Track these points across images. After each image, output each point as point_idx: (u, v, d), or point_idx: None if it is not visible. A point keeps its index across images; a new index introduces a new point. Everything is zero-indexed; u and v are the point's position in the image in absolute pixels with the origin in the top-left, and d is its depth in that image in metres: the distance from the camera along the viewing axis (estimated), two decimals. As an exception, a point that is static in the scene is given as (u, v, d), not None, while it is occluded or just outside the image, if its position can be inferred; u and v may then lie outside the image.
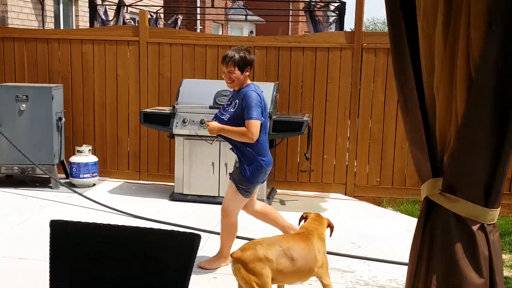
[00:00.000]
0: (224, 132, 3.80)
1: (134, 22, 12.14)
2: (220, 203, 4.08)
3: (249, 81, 3.87)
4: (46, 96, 6.05)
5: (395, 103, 5.99)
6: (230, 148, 3.92)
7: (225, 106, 3.96)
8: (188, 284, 1.84)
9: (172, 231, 1.88)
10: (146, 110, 6.02)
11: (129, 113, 6.62)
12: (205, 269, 3.91)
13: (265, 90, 4.38)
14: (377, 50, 6.07)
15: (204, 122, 4.83)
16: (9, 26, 8.18)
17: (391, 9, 1.87)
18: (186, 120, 5.58)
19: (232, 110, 3.82)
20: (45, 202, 5.62)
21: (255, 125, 3.65)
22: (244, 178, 3.75)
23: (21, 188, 6.08)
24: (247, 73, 3.82)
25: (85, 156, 6.23)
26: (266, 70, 6.31)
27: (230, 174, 3.96)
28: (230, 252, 3.11)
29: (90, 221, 2.00)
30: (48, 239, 1.92)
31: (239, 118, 3.73)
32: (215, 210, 4.77)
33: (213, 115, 4.04)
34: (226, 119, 3.80)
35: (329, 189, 6.31)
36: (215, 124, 3.79)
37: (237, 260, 2.90)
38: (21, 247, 4.31)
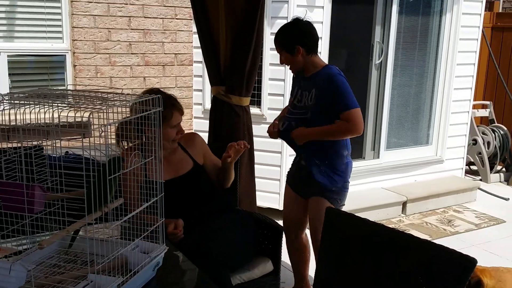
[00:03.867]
0: (315, 136, 2.69)
1: None
2: None
3: (322, 62, 2.75)
4: None
5: None
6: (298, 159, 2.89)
7: (293, 103, 2.82)
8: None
9: (451, 250, 1.63)
10: None
11: None
12: None
13: None
14: None
15: (270, 130, 2.90)
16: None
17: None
18: None
19: (310, 103, 2.68)
20: None
21: (360, 114, 2.59)
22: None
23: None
24: (306, 53, 2.68)
25: None
26: None
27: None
28: None
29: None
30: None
31: (324, 113, 2.64)
32: None
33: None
34: (309, 117, 2.70)
35: None
36: (301, 130, 2.71)
37: None
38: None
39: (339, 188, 2.80)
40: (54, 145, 1.70)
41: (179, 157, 2.55)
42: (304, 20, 2.76)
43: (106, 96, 1.65)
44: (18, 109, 1.53)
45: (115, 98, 1.56)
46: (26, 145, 1.69)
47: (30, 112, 1.55)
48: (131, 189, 1.83)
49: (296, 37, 2.69)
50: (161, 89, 2.60)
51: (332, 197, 2.80)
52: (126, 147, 2.36)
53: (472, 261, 1.57)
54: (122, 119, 1.66)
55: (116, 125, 2.27)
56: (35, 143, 1.71)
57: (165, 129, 2.39)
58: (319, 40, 4.39)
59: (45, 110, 1.50)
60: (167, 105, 2.38)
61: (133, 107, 1.67)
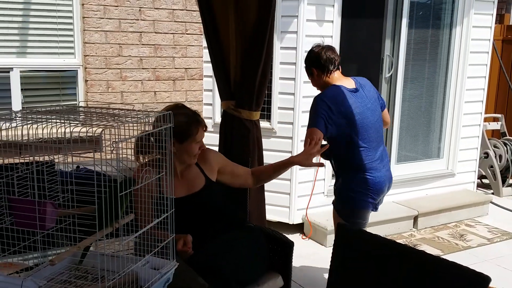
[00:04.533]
0: None
1: None
2: None
3: (333, 82, 2.96)
4: None
5: None
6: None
7: None
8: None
9: (464, 267, 1.62)
10: None
11: None
12: None
13: None
14: None
15: None
16: None
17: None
18: None
19: None
20: None
21: (306, 133, 2.81)
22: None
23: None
24: (320, 75, 2.97)
25: None
26: None
27: None
28: None
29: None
30: None
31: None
32: None
33: None
34: None
35: None
36: None
37: None
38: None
39: (341, 200, 3.02)
40: (65, 160, 1.71)
41: (194, 174, 2.55)
42: (321, 44, 3.04)
43: (118, 112, 1.66)
44: (31, 126, 1.55)
45: (126, 114, 1.57)
46: (38, 161, 1.71)
47: (43, 128, 1.57)
48: (144, 205, 1.83)
49: (309, 60, 3.03)
50: (186, 105, 2.61)
51: (336, 207, 3.07)
52: (142, 162, 2.36)
53: (486, 279, 1.55)
54: (138, 134, 1.67)
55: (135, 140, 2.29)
56: (46, 158, 1.72)
57: (190, 144, 2.41)
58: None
59: (58, 127, 1.52)
60: (194, 121, 2.42)
61: (154, 124, 1.69)
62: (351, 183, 2.93)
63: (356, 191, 2.93)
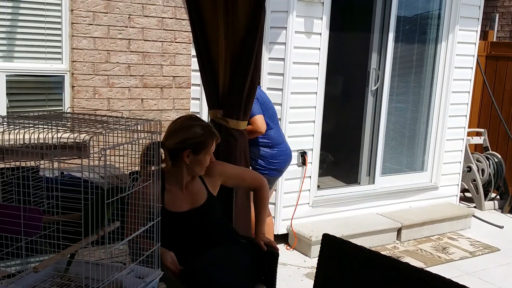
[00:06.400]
0: None
1: None
2: None
3: None
4: None
5: None
6: None
7: None
8: None
9: (448, 280, 1.58)
10: None
11: None
12: None
13: None
14: None
15: None
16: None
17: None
18: None
19: None
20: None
21: (258, 119, 3.69)
22: None
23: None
24: None
25: None
26: None
27: None
28: None
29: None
30: None
31: None
32: None
33: None
34: None
35: None
36: None
37: None
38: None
39: (262, 171, 3.78)
40: (51, 166, 1.70)
41: (197, 187, 2.51)
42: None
43: (106, 119, 1.66)
44: (19, 131, 1.54)
45: (115, 122, 1.57)
46: (24, 166, 1.70)
47: (30, 134, 1.56)
48: (143, 214, 1.82)
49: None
50: (198, 116, 2.61)
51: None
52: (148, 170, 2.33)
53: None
54: (146, 144, 1.66)
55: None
56: (32, 163, 1.71)
57: (205, 156, 2.40)
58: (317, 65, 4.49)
59: (46, 132, 1.51)
60: (209, 134, 2.41)
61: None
62: (269, 156, 3.82)
63: (272, 162, 3.83)
